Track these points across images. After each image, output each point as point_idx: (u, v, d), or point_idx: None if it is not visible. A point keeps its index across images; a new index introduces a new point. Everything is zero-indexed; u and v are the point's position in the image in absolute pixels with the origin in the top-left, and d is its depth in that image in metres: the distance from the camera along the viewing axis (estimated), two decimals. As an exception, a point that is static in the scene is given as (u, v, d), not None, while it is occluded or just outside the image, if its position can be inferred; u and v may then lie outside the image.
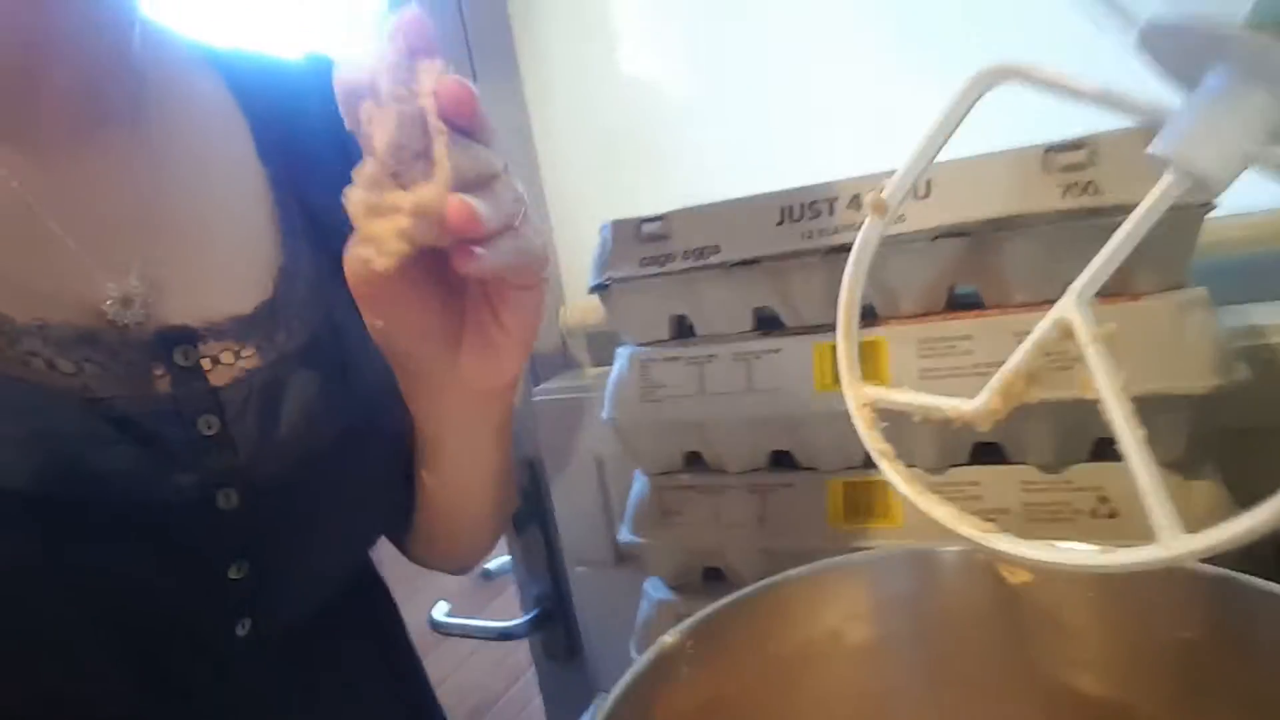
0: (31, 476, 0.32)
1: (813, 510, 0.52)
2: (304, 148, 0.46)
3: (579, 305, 0.81)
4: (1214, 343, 0.42)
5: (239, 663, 0.41)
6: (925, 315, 0.50)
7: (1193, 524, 0.43)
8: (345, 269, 0.33)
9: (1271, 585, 0.33)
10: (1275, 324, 0.51)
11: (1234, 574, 0.34)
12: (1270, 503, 0.23)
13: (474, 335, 0.37)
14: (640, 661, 0.37)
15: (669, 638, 0.38)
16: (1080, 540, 0.46)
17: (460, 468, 0.46)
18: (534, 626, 0.88)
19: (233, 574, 0.39)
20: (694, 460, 0.57)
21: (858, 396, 0.32)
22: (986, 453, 0.49)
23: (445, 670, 1.75)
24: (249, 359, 0.40)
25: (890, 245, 0.48)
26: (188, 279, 0.40)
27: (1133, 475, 0.25)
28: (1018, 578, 0.28)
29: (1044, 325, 0.27)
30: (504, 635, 0.88)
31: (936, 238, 0.48)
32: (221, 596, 0.39)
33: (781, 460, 0.55)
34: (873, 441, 0.31)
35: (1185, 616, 0.36)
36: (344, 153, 0.49)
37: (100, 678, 0.36)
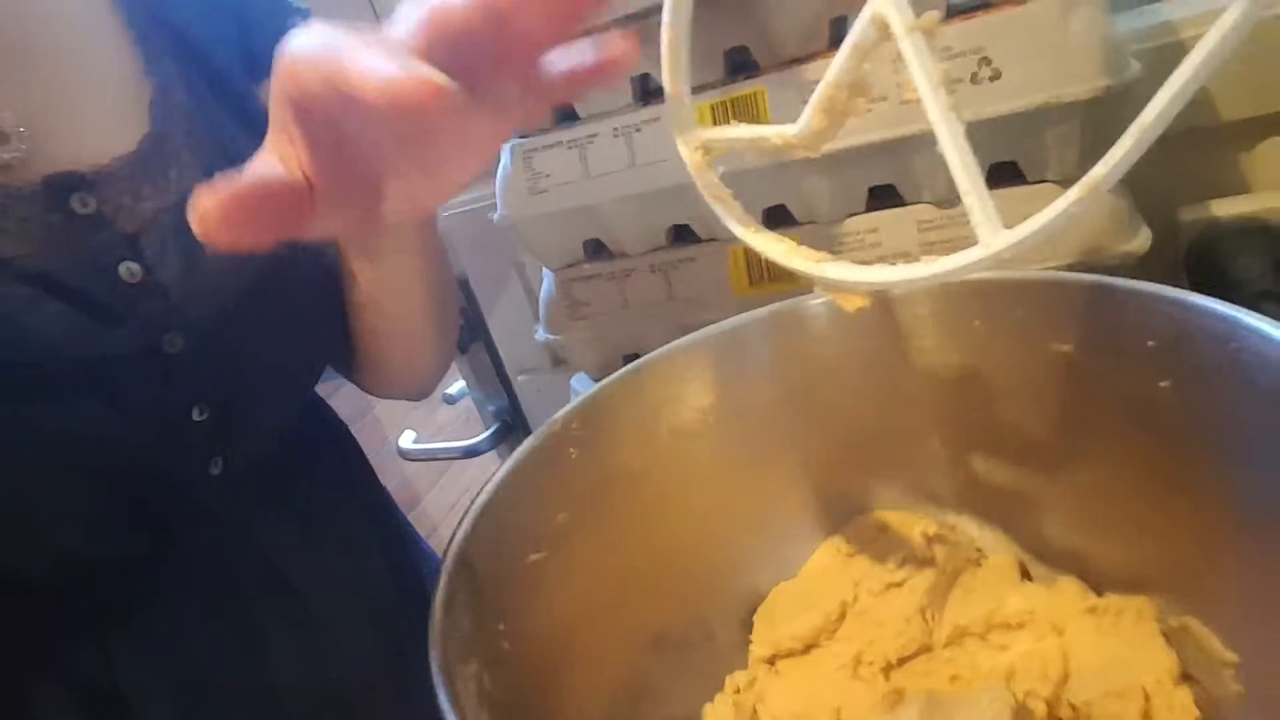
0: None
1: (718, 281, 0.51)
2: None
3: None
4: (1101, 40, 0.38)
5: (219, 501, 0.42)
6: (809, 57, 0.46)
7: (1096, 239, 0.42)
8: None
9: (1139, 283, 0.32)
10: (1186, 17, 0.47)
11: (1104, 278, 0.33)
12: (1082, 183, 0.21)
13: (393, 185, 0.32)
14: (526, 444, 0.37)
15: (555, 421, 0.38)
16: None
17: (396, 293, 0.45)
18: (497, 440, 0.89)
19: (195, 416, 0.39)
20: (597, 249, 0.55)
21: (688, 140, 0.29)
22: (884, 196, 0.47)
23: (420, 490, 1.82)
24: (149, 200, 0.38)
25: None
26: (57, 120, 0.36)
27: (953, 176, 0.23)
28: (852, 304, 0.27)
29: (859, 25, 0.24)
30: (469, 453, 0.90)
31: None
32: (189, 439, 0.39)
33: (683, 235, 0.53)
34: (705, 184, 0.29)
35: (1061, 329, 0.35)
36: None
37: (94, 530, 0.37)
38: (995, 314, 0.37)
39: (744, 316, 0.40)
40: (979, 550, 0.41)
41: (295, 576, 0.46)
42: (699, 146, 0.29)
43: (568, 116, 0.53)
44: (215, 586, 0.42)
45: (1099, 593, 0.37)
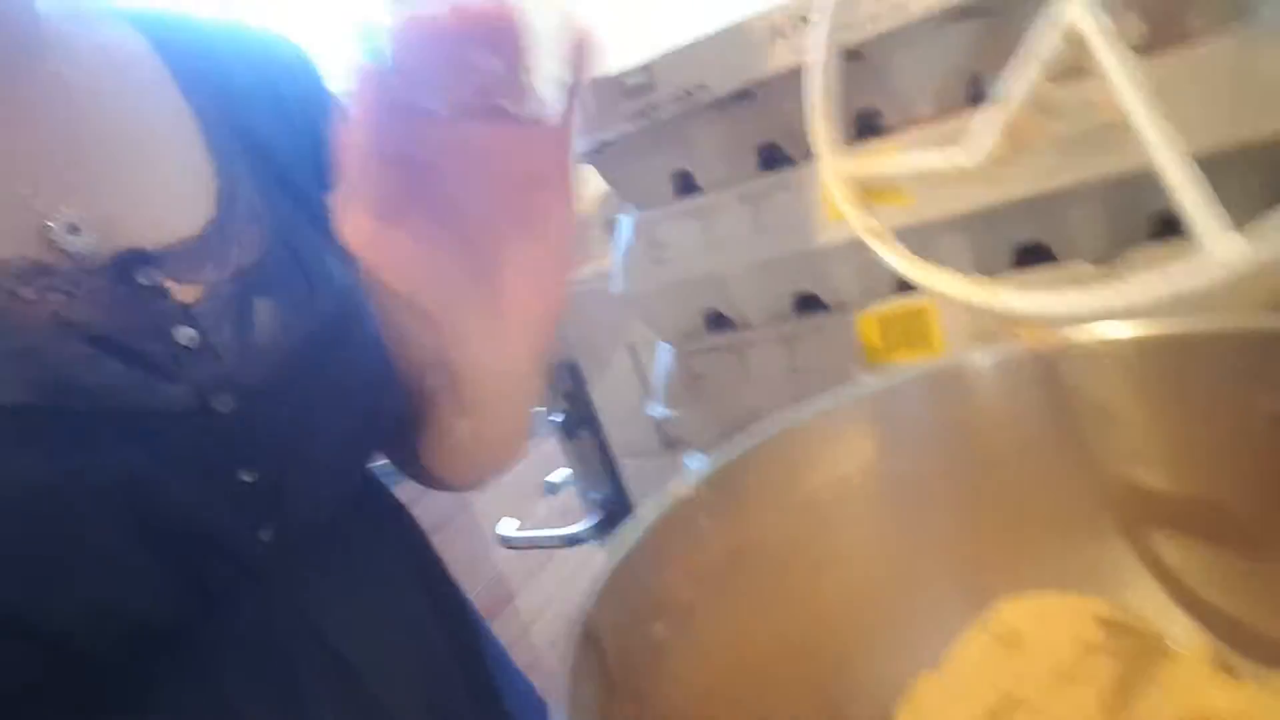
0: (20, 388, 0.34)
1: (846, 351, 0.48)
2: (229, 84, 0.46)
3: (590, 194, 0.77)
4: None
5: (270, 568, 0.42)
6: (942, 115, 0.44)
7: None
8: (341, 233, 0.32)
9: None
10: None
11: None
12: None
13: (510, 264, 0.36)
14: (651, 513, 0.34)
15: (683, 488, 0.35)
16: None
17: (493, 405, 0.45)
18: (600, 529, 0.87)
19: (245, 478, 0.40)
20: (717, 322, 0.54)
21: (838, 170, 0.27)
22: (1030, 256, 0.44)
23: (514, 587, 1.77)
24: (209, 275, 0.41)
25: (892, 38, 0.43)
26: (128, 207, 0.41)
27: (1163, 179, 0.20)
28: (1047, 343, 0.24)
29: (1044, 36, 0.22)
30: (572, 541, 0.87)
31: (947, 21, 0.41)
32: (239, 502, 0.40)
33: (807, 305, 0.50)
34: (859, 219, 0.27)
35: (1270, 385, 0.30)
36: (273, 89, 0.48)
37: (141, 589, 0.38)
38: (1190, 370, 0.32)
39: (897, 376, 0.36)
40: (1163, 641, 0.35)
41: (348, 651, 0.45)
42: (850, 178, 0.27)
43: (689, 189, 0.53)
44: (263, 657, 0.42)
45: (1330, 702, 0.31)
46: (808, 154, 0.48)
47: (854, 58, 0.44)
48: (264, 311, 0.41)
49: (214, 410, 0.39)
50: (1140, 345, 0.34)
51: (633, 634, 0.31)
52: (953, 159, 0.24)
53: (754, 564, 0.35)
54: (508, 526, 0.91)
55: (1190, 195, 0.19)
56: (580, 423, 0.84)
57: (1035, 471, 0.36)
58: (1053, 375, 0.35)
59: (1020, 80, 0.23)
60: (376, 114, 0.29)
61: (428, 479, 0.54)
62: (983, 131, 0.24)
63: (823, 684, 0.37)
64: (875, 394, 0.37)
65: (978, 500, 0.37)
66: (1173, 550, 0.35)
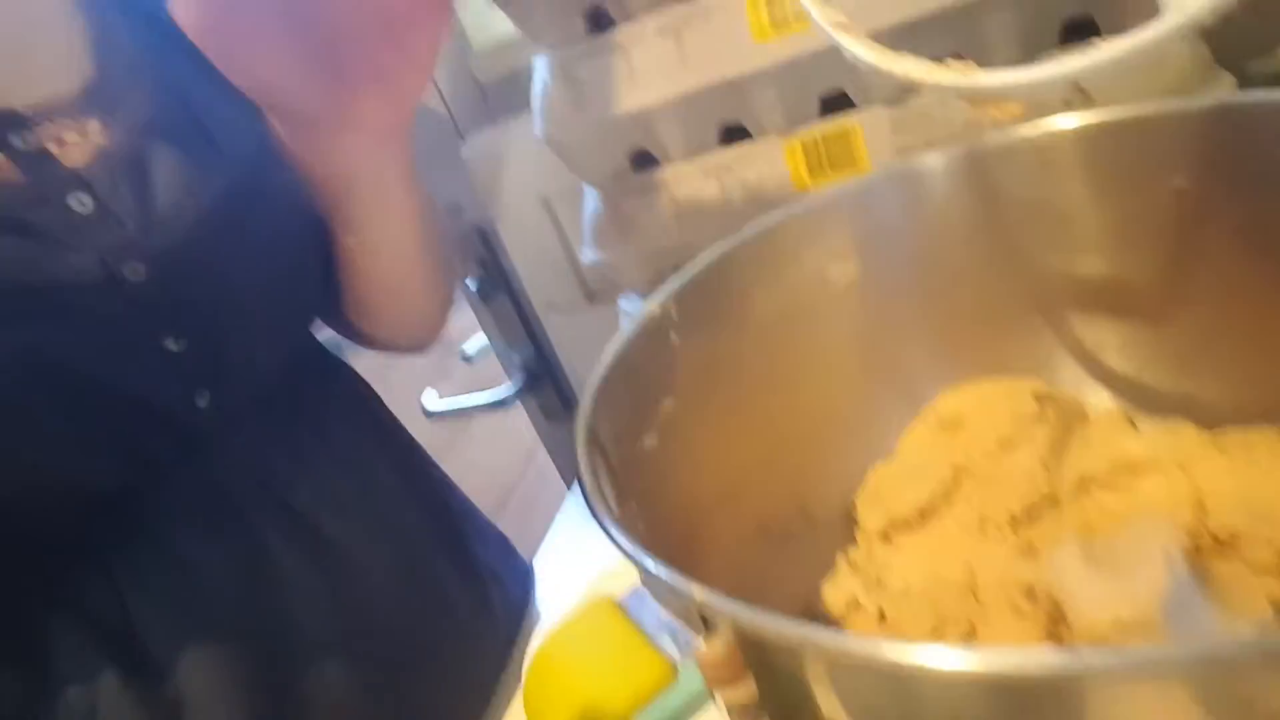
0: None
1: (775, 178, 0.50)
2: None
3: (487, 47, 0.73)
4: None
5: (212, 435, 0.42)
6: None
7: (1183, 85, 0.41)
8: (175, 17, 0.31)
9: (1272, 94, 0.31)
10: None
11: (1232, 98, 0.32)
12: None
13: (363, 68, 0.35)
14: (625, 333, 0.35)
15: (653, 306, 0.37)
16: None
17: (376, 222, 0.45)
18: (524, 391, 0.88)
19: (170, 346, 0.39)
20: (643, 160, 0.54)
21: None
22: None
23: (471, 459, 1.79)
24: (97, 135, 0.38)
25: None
26: None
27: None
28: (1008, 113, 0.26)
29: None
30: (496, 406, 0.88)
31: None
32: (167, 369, 0.39)
33: (733, 136, 0.51)
34: (825, 15, 0.27)
35: (1177, 162, 0.34)
36: None
37: (81, 460, 0.38)
38: (1111, 156, 0.35)
39: (856, 182, 0.38)
40: (1083, 407, 0.40)
41: (308, 509, 0.45)
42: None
43: (603, 25, 0.51)
44: (219, 520, 0.43)
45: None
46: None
47: None
48: (164, 172, 0.39)
49: (125, 279, 0.37)
50: (1047, 140, 0.37)
51: (627, 444, 0.33)
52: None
53: (725, 377, 0.38)
54: (431, 398, 0.91)
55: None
56: (495, 288, 0.83)
57: (977, 267, 0.39)
58: (999, 172, 0.38)
59: None
60: None
61: (353, 332, 0.54)
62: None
63: (792, 482, 0.40)
64: (839, 196, 0.39)
65: (925, 300, 0.40)
66: (1087, 329, 0.40)
